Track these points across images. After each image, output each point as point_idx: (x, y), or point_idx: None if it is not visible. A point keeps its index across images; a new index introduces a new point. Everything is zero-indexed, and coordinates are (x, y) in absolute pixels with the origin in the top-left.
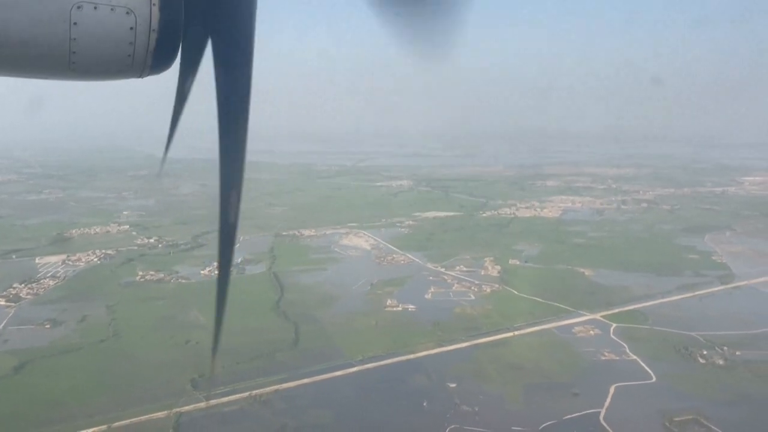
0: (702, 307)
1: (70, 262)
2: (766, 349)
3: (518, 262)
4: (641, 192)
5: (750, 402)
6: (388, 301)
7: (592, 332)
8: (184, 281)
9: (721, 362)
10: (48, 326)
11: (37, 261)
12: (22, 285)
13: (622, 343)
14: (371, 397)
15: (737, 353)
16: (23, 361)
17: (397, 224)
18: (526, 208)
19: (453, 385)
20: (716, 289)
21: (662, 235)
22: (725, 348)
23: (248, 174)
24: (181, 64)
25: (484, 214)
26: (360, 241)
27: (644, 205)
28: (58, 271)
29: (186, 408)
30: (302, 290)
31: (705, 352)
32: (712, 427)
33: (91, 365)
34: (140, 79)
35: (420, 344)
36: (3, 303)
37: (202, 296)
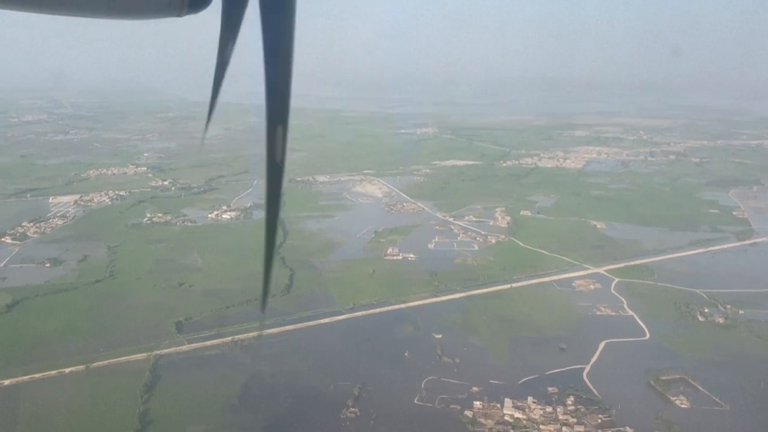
0: (713, 263)
1: (82, 203)
2: None
3: (529, 214)
4: (672, 144)
5: (743, 363)
6: (390, 250)
7: (592, 286)
8: (189, 224)
9: (721, 321)
10: (48, 265)
11: (50, 200)
12: (31, 224)
13: (621, 298)
14: (354, 346)
15: (740, 312)
16: (17, 299)
17: (414, 172)
18: (549, 158)
19: (439, 336)
20: (731, 245)
21: (685, 188)
22: (728, 306)
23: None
24: (222, 23)
25: (504, 164)
26: (373, 188)
27: (672, 157)
28: (69, 211)
29: (166, 351)
30: (305, 237)
31: (706, 310)
32: (699, 387)
33: (82, 305)
34: (178, 19)
35: (414, 294)
36: (9, 241)
37: (205, 240)
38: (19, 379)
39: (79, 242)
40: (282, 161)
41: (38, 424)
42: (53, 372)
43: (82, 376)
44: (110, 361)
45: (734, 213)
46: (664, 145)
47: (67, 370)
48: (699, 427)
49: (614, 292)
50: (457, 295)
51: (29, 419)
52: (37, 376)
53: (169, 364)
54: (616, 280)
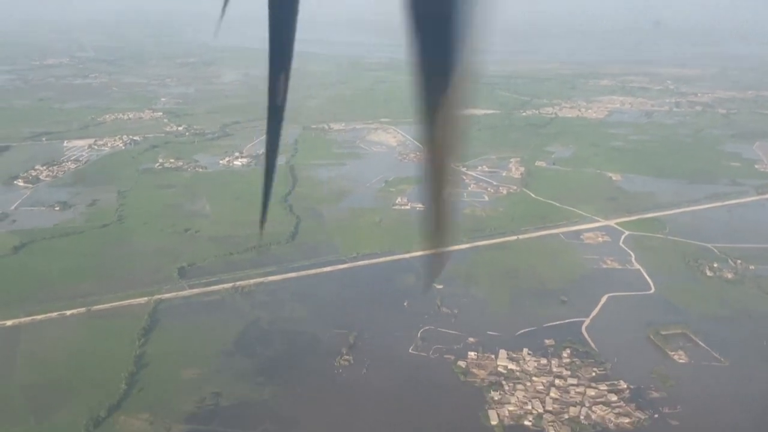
0: (728, 217)
1: (96, 147)
2: None
3: (545, 165)
4: (699, 94)
5: (747, 319)
6: (398, 199)
7: (600, 239)
8: (201, 170)
9: (729, 276)
10: (57, 209)
11: (65, 144)
12: (44, 167)
13: (629, 251)
14: (353, 294)
15: (750, 267)
16: (25, 241)
17: None
18: (571, 108)
19: (440, 287)
20: (750, 199)
21: (708, 140)
22: (739, 261)
23: (293, 64)
24: None
25: (523, 113)
26: (387, 137)
27: (698, 108)
28: (82, 155)
29: (167, 295)
30: (314, 185)
31: (716, 265)
32: (700, 342)
33: (88, 249)
34: None
35: (419, 244)
36: (21, 184)
37: (215, 186)
38: (21, 320)
39: (90, 186)
40: (282, 106)
41: (36, 364)
42: (54, 314)
43: (83, 318)
44: (111, 304)
45: (756, 166)
46: (691, 96)
47: (69, 312)
48: (694, 383)
49: (623, 246)
50: (463, 246)
51: (28, 359)
52: (38, 317)
53: (168, 309)
54: (626, 233)
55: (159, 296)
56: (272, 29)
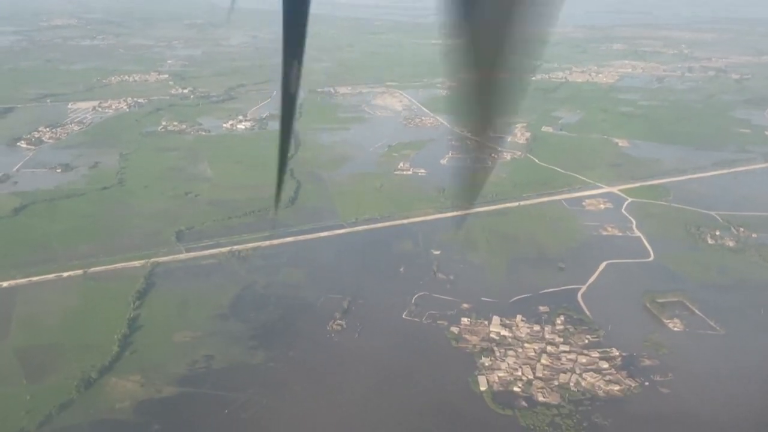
0: (734, 184)
1: (100, 109)
2: None
3: (551, 130)
4: (713, 59)
5: (746, 288)
6: (401, 164)
7: (602, 206)
8: (203, 134)
9: (731, 244)
10: (59, 171)
11: (69, 106)
12: (47, 129)
13: (630, 218)
14: (350, 259)
15: (753, 236)
16: (25, 203)
17: (438, 85)
18: (581, 72)
19: (437, 252)
20: (757, 166)
21: (719, 106)
22: (742, 230)
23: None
24: None
25: (533, 78)
26: (393, 101)
27: (711, 73)
28: (86, 117)
29: (164, 259)
30: (317, 149)
31: (718, 233)
32: (696, 311)
33: (87, 211)
34: None
35: (419, 209)
36: (24, 146)
37: (217, 149)
38: (18, 281)
39: (93, 149)
40: (296, 94)
41: (30, 325)
42: (51, 276)
43: (80, 280)
44: (108, 267)
45: (766, 133)
46: (704, 60)
47: (66, 274)
48: (688, 351)
49: (624, 213)
50: (462, 212)
51: (22, 321)
52: (35, 279)
53: (165, 272)
54: (629, 200)
55: (156, 259)
56: (286, 18)
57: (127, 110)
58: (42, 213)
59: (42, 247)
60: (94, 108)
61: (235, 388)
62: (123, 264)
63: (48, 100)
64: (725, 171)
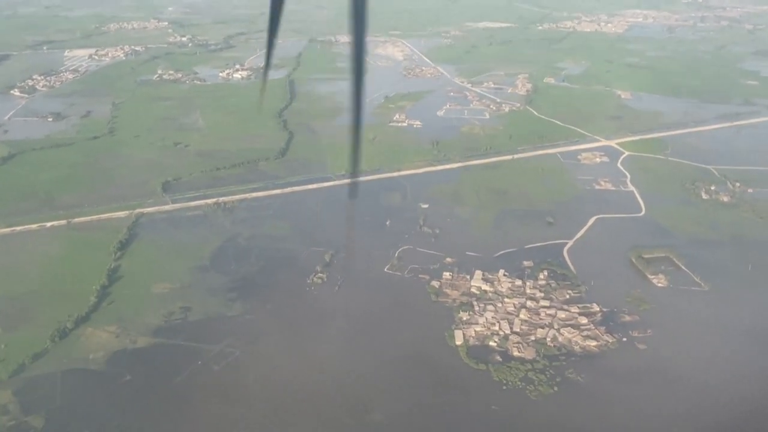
0: (735, 138)
1: (97, 57)
2: None
3: (553, 81)
4: (728, 8)
5: (736, 244)
6: (396, 116)
7: (598, 159)
8: (199, 83)
9: (725, 199)
10: (50, 120)
11: (66, 54)
12: (42, 77)
13: (626, 172)
14: (336, 212)
15: (749, 190)
16: (14, 152)
17: (443, 34)
18: (590, 21)
19: (425, 206)
20: (761, 119)
21: (728, 57)
22: (737, 184)
23: None
24: None
25: (540, 27)
26: (395, 51)
27: (724, 23)
28: (82, 65)
29: (149, 209)
30: (312, 100)
31: (713, 188)
32: (682, 266)
33: (76, 161)
34: None
35: (410, 162)
36: (17, 94)
37: (211, 99)
38: (1, 231)
39: (86, 97)
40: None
41: (9, 275)
42: (35, 226)
43: (63, 230)
44: (92, 217)
45: None
46: (718, 10)
47: (49, 224)
48: (669, 307)
49: (620, 166)
50: (455, 165)
51: (1, 270)
52: (18, 229)
53: (149, 223)
54: (626, 153)
55: (141, 210)
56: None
57: (124, 58)
58: (30, 162)
59: (28, 197)
60: (90, 56)
61: (209, 340)
62: (107, 214)
63: (45, 48)
64: (727, 124)
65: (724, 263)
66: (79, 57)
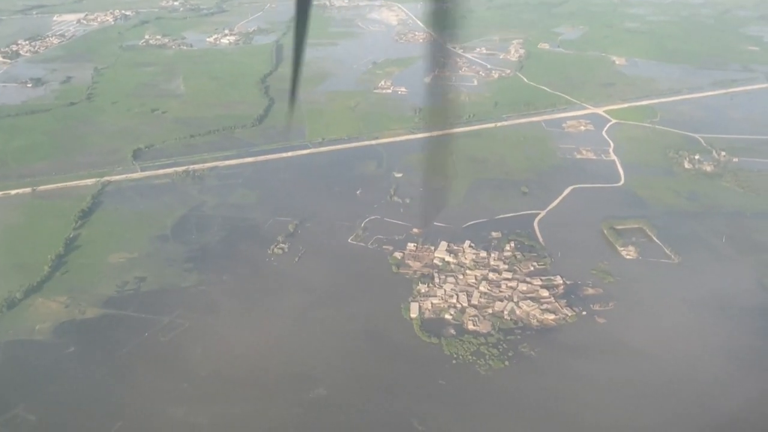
0: (728, 106)
1: (85, 22)
2: None
3: (548, 47)
4: None
5: (713, 215)
6: (382, 83)
7: (582, 128)
8: (185, 48)
9: (708, 169)
10: (30, 85)
11: (54, 19)
12: (26, 42)
13: (609, 141)
14: (307, 181)
15: (734, 160)
16: None
17: None
18: None
19: (399, 175)
20: (758, 86)
21: (732, 22)
22: (723, 153)
23: None
24: None
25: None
26: (390, 15)
27: None
28: (69, 30)
29: (116, 177)
30: None
31: (697, 157)
32: (654, 238)
33: (50, 127)
34: None
35: (390, 130)
36: (0, 59)
37: (196, 65)
38: None
39: (69, 63)
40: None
41: None
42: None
43: (26, 198)
44: (58, 185)
45: None
46: None
47: (14, 192)
48: (635, 280)
49: (604, 135)
50: (434, 134)
51: None
52: None
53: (115, 191)
54: (613, 121)
55: (108, 178)
56: None
57: (113, 23)
58: (3, 129)
59: None
60: (79, 20)
61: (160, 311)
62: (74, 182)
63: (34, 12)
64: (722, 91)
65: (698, 235)
66: (67, 22)
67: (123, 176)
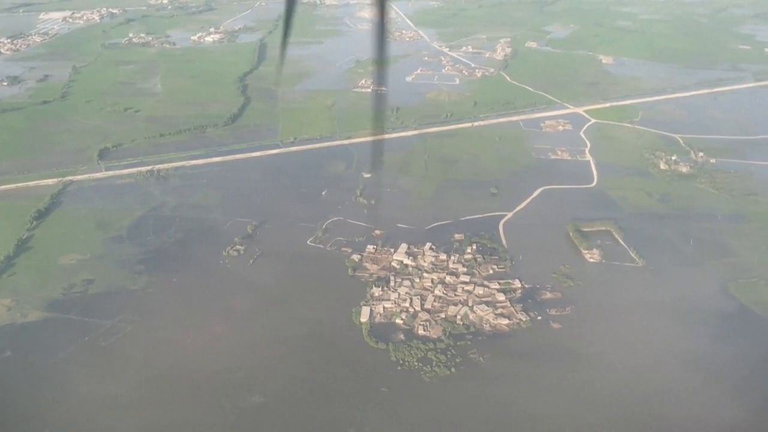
0: (712, 106)
1: (71, 20)
2: (751, 157)
3: (536, 45)
4: None
5: (683, 217)
6: (362, 81)
7: (561, 128)
8: (168, 46)
9: (684, 170)
10: (5, 84)
11: (40, 17)
12: (8, 40)
13: (587, 141)
14: (273, 181)
15: (711, 161)
16: None
17: None
18: None
19: (367, 176)
20: (744, 86)
21: (726, 20)
22: (701, 154)
23: None
24: None
25: None
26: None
27: None
28: (53, 28)
29: (79, 177)
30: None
31: (674, 158)
32: (621, 241)
33: (19, 126)
34: None
35: (364, 130)
36: None
37: (176, 63)
38: None
39: (48, 61)
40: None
41: None
42: None
43: None
44: (19, 185)
45: (766, 50)
46: None
47: None
48: (596, 284)
49: (582, 135)
50: (410, 133)
51: None
52: None
53: (76, 191)
54: (592, 121)
55: (71, 178)
56: None
57: (98, 21)
58: None
59: None
60: (65, 18)
61: (103, 315)
62: (35, 182)
63: (21, 11)
64: (707, 91)
65: (666, 238)
66: (53, 19)
67: (86, 176)
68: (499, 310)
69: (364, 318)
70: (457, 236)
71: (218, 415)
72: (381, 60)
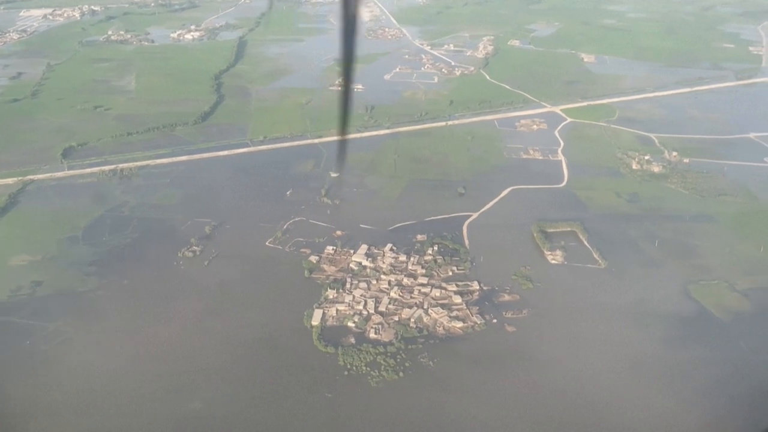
0: (688, 105)
1: (51, 17)
2: (725, 157)
3: (518, 44)
4: None
5: (650, 218)
6: (339, 80)
7: (535, 127)
8: (146, 44)
9: (656, 170)
10: None
11: (21, 14)
12: None
13: (560, 140)
14: (237, 181)
15: (685, 161)
16: None
17: None
18: None
19: (335, 175)
20: (725, 85)
21: (712, 19)
22: (675, 153)
23: None
24: None
25: None
26: (364, 11)
27: None
28: (32, 26)
29: (40, 176)
30: (258, 62)
31: (647, 158)
32: (585, 242)
33: None
34: None
35: (336, 128)
36: None
37: (152, 61)
38: None
39: (24, 59)
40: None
41: None
42: None
43: None
44: None
45: (750, 48)
46: None
47: None
48: (556, 286)
49: (556, 134)
50: (382, 132)
51: None
52: None
53: (35, 191)
54: (568, 120)
55: (31, 177)
56: None
57: (78, 18)
58: None
59: None
60: (45, 16)
61: (48, 318)
62: None
63: (1, 7)
64: (687, 90)
65: (631, 239)
66: (33, 17)
67: (47, 175)
68: (455, 313)
69: (315, 321)
70: (419, 237)
71: (155, 422)
72: (348, 58)
